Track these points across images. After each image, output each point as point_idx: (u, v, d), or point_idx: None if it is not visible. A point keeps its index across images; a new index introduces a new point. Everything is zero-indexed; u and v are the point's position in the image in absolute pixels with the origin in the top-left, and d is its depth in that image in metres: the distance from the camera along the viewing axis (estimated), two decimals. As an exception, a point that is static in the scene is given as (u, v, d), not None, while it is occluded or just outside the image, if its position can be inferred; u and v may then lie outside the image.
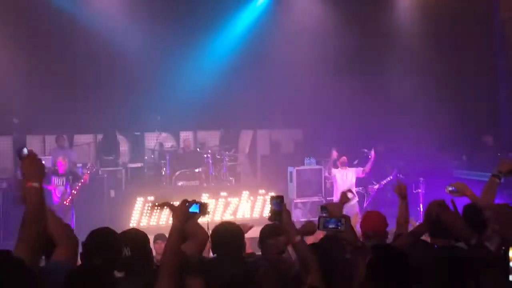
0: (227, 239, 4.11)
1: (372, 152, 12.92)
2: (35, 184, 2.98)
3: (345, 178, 12.53)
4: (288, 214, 3.77)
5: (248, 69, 14.74)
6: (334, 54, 14.96)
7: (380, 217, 4.96)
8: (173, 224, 3.52)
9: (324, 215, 3.86)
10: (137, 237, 3.88)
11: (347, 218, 3.83)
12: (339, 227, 3.74)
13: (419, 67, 15.39)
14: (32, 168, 3.03)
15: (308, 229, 4.62)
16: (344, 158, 12.72)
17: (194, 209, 3.62)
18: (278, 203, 3.74)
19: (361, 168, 12.82)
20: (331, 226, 3.76)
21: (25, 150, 3.08)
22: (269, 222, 4.07)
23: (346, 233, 3.82)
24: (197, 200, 3.74)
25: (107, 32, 13.65)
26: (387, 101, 15.16)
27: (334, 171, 12.67)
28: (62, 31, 13.48)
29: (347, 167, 12.72)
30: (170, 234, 3.50)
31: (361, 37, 15.21)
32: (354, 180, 12.67)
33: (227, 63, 14.63)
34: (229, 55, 14.85)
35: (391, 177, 13.61)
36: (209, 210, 3.77)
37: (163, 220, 12.82)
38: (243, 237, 4.29)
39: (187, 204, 3.61)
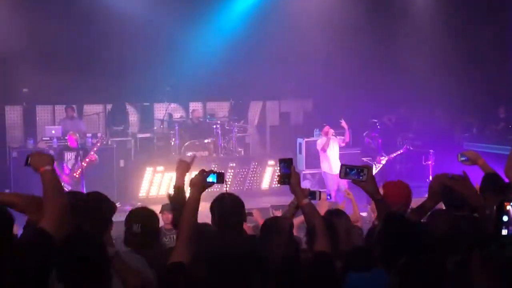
0: (227, 211, 4.04)
1: (343, 122, 12.41)
2: (47, 167, 3.26)
3: (332, 148, 12.00)
4: (297, 176, 3.73)
5: (257, 39, 14.61)
6: (346, 24, 14.77)
7: (404, 186, 4.64)
8: (190, 193, 3.56)
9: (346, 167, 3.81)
10: (148, 216, 4.26)
11: (369, 168, 3.77)
12: (361, 177, 3.70)
13: (432, 41, 15.25)
14: (40, 157, 3.34)
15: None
16: (328, 127, 12.07)
17: (211, 178, 3.67)
18: (287, 166, 3.72)
19: (342, 137, 12.27)
20: (352, 176, 3.73)
21: (28, 157, 3.39)
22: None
23: (367, 183, 3.75)
24: (213, 169, 3.83)
25: (116, 3, 13.55)
26: (399, 73, 15.02)
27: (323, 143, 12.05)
28: (72, 2, 13.39)
29: (334, 137, 12.09)
30: (188, 204, 3.51)
31: (373, 8, 15.04)
32: (337, 150, 12.10)
33: (236, 34, 14.50)
34: (238, 26, 14.72)
35: (401, 151, 13.51)
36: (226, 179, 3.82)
37: (172, 190, 12.84)
38: (243, 209, 4.21)
39: (204, 173, 3.64)
